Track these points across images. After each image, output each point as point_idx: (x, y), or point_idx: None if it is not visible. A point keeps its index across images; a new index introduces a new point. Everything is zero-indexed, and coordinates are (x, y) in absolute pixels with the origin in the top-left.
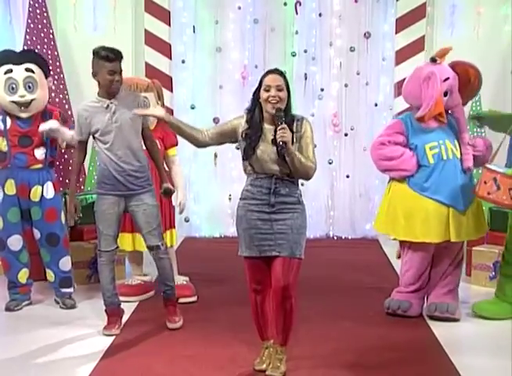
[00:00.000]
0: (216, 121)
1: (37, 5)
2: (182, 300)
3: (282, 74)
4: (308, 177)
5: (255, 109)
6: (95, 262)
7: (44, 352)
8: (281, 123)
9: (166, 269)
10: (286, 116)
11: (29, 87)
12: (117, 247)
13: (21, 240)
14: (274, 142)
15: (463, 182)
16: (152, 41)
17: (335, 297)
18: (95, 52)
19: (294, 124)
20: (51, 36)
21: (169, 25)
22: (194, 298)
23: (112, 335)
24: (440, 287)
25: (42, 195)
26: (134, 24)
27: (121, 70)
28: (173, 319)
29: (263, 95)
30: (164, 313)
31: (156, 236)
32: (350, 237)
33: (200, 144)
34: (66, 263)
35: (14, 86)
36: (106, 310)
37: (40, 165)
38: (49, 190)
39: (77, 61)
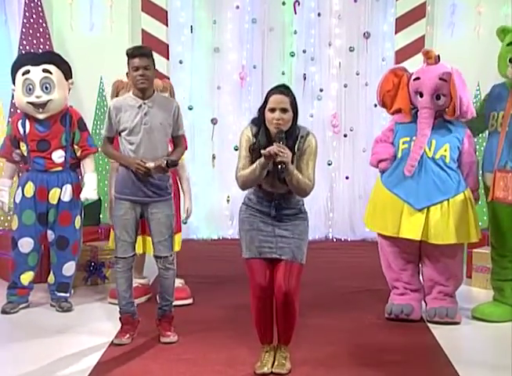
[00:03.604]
0: (214, 121)
1: (32, 4)
2: (178, 302)
3: (288, 92)
4: (305, 195)
5: (261, 124)
6: (92, 265)
7: (40, 355)
8: (281, 144)
9: (170, 281)
10: (290, 136)
11: (46, 88)
12: (135, 254)
13: (32, 243)
14: (273, 163)
15: (427, 182)
16: (149, 41)
17: (334, 299)
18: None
19: (298, 142)
20: (47, 36)
21: (166, 25)
22: (190, 301)
23: (122, 344)
24: (436, 292)
25: (60, 198)
26: (131, 24)
27: (147, 67)
28: (166, 333)
29: (267, 115)
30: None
31: (166, 246)
32: (349, 239)
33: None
34: (69, 268)
35: (31, 87)
36: (120, 318)
37: (59, 168)
38: (67, 193)
39: (73, 60)
